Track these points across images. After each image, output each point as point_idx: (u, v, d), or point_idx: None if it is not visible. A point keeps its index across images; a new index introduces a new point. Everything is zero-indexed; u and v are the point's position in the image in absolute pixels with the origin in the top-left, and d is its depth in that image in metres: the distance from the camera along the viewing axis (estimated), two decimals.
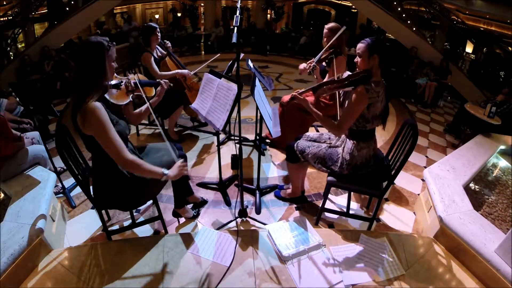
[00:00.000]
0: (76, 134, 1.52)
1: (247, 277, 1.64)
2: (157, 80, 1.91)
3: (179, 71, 3.05)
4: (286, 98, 2.99)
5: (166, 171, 1.50)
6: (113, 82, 1.61)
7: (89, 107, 1.34)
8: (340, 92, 2.00)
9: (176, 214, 2.18)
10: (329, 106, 2.75)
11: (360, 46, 1.74)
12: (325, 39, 2.62)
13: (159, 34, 2.93)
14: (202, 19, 10.15)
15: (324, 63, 2.73)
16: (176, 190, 2.05)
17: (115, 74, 1.61)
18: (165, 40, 3.16)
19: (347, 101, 1.85)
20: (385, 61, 1.72)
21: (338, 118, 1.98)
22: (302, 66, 2.58)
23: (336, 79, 1.78)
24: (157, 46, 3.07)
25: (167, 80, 1.94)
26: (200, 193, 2.48)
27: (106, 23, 9.10)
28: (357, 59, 1.78)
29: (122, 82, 1.67)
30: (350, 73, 2.00)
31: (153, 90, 1.95)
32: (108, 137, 1.38)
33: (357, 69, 1.80)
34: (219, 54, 3.38)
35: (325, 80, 1.82)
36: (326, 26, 2.63)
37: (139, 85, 1.73)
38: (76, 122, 1.40)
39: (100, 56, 1.40)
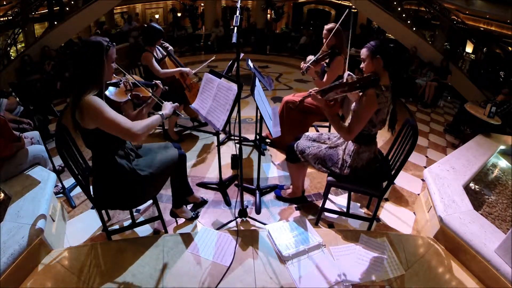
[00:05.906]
0: (76, 134, 1.53)
1: (247, 277, 1.64)
2: (153, 81, 1.92)
3: (182, 68, 3.05)
4: (287, 98, 2.99)
5: (161, 112, 1.65)
6: (113, 81, 1.67)
7: (85, 100, 1.37)
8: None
9: (173, 214, 2.17)
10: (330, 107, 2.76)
11: (363, 50, 1.76)
12: (324, 40, 2.63)
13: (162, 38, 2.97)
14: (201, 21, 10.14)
15: (324, 64, 2.74)
16: (175, 190, 2.05)
17: (114, 74, 1.63)
18: (164, 42, 3.17)
19: (353, 105, 1.84)
20: (390, 63, 1.71)
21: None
22: (301, 64, 2.70)
23: (345, 82, 1.77)
24: (157, 46, 3.07)
25: (160, 82, 1.95)
26: (200, 193, 2.48)
27: (106, 23, 9.10)
28: (363, 65, 1.78)
29: (121, 81, 1.74)
30: (350, 73, 1.99)
31: (149, 91, 1.97)
32: (109, 119, 1.39)
33: (364, 74, 1.79)
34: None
35: (333, 83, 1.82)
36: (326, 27, 2.64)
37: (138, 84, 1.80)
38: (76, 120, 1.42)
39: (99, 55, 1.43)
